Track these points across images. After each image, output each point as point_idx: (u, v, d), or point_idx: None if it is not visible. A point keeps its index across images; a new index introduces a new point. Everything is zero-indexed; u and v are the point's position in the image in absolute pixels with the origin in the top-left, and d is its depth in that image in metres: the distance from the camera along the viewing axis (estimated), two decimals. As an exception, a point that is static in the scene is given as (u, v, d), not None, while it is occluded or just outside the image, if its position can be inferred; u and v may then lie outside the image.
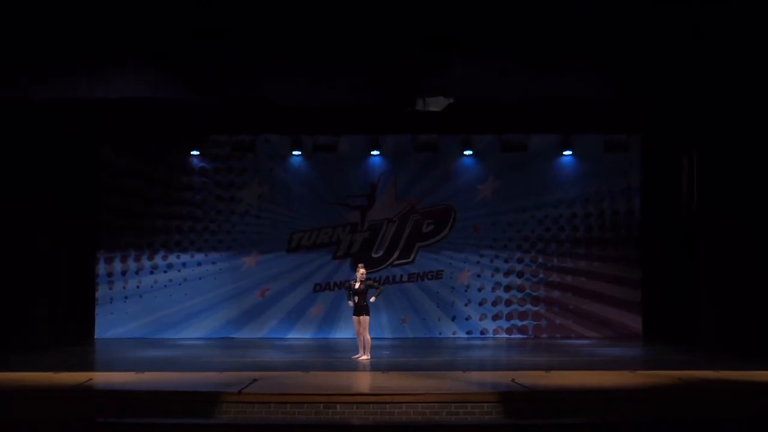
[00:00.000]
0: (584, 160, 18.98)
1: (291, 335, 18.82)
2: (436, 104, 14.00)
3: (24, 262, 16.01)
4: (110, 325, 18.75)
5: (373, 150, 18.82)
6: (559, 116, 16.70)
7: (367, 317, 14.27)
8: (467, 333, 19.02)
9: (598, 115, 16.54)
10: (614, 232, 18.99)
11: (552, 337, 18.79)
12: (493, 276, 19.12)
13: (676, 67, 13.33)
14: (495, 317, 19.07)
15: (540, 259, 19.09)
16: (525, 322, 19.05)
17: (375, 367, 13.31)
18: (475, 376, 12.16)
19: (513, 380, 11.27)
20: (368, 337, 14.30)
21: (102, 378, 12.01)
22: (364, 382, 11.59)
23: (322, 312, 18.89)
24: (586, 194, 19.03)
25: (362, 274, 14.49)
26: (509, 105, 15.62)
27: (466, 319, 19.08)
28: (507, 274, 19.10)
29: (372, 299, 14.32)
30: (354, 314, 14.38)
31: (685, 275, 17.23)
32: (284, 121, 17.12)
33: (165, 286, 18.96)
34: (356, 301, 14.31)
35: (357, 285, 14.38)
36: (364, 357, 14.15)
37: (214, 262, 19.04)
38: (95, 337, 18.57)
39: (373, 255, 19.02)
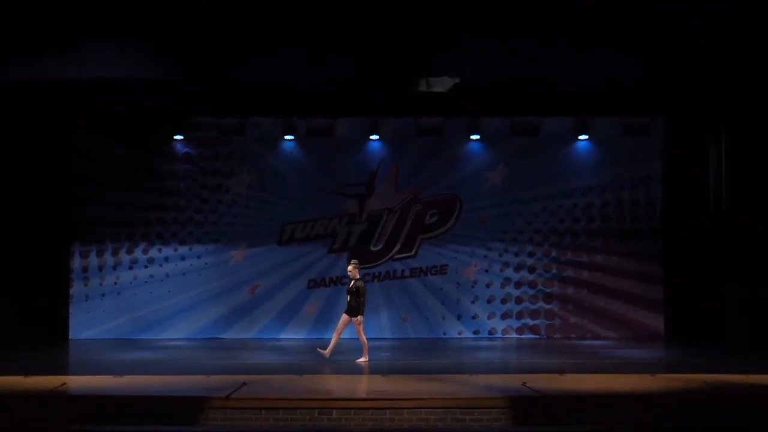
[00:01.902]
0: (602, 145, 18.97)
1: (283, 335, 18.84)
2: (441, 84, 13.99)
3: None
4: (86, 324, 18.76)
5: (372, 134, 18.82)
6: (574, 97, 16.66)
7: (356, 317, 14.24)
8: (474, 333, 19.04)
9: (617, 96, 16.52)
10: (634, 224, 18.99)
11: (566, 338, 18.81)
12: (502, 271, 19.13)
13: (703, 43, 13.30)
14: (504, 316, 19.10)
15: (553, 253, 19.10)
16: (537, 322, 19.07)
17: (374, 369, 13.32)
18: (483, 379, 12.16)
19: (524, 384, 11.28)
20: (363, 338, 14.32)
21: (77, 382, 12.02)
22: (362, 386, 11.61)
23: (316, 310, 18.90)
24: (604, 183, 19.03)
25: (349, 271, 14.53)
26: (520, 85, 15.59)
27: (473, 318, 19.11)
28: (517, 269, 19.12)
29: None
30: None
31: (710, 271, 17.22)
32: (275, 102, 17.09)
33: (145, 282, 18.97)
34: (348, 299, 14.38)
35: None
36: (362, 360, 14.20)
37: (199, 256, 19.04)
38: (69, 337, 18.58)
39: (372, 248, 19.03)
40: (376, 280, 19.00)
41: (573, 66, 13.47)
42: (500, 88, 15.84)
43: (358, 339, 14.53)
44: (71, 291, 18.83)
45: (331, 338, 14.85)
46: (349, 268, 14.72)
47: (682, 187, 18.31)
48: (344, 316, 14.48)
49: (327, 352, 14.47)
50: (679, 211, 18.43)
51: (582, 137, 18.83)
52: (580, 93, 16.22)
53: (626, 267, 18.95)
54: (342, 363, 14.24)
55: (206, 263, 19.05)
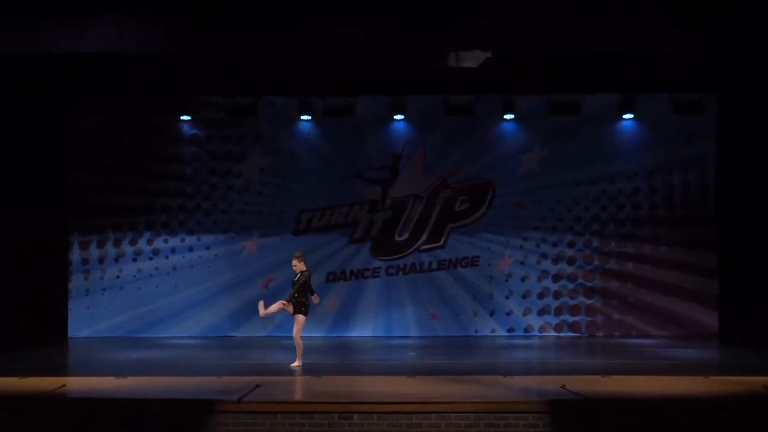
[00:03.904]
0: (649, 124, 18.88)
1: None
2: (472, 59, 13.92)
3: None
4: (86, 321, 18.91)
5: (396, 114, 18.82)
6: (618, 72, 16.55)
7: (299, 316, 13.89)
8: (508, 331, 19.03)
9: (666, 69, 16.38)
10: (685, 210, 18.90)
11: (609, 336, 18.77)
12: (539, 263, 19.09)
13: (762, 8, 13.13)
14: (541, 312, 19.07)
15: (595, 243, 19.04)
16: (577, 318, 19.03)
17: (399, 370, 13.33)
18: (518, 381, 12.14)
19: (563, 386, 11.25)
20: (298, 340, 13.86)
21: (77, 384, 12.10)
22: (386, 388, 11.60)
23: (336, 306, 18.93)
24: (651, 165, 18.95)
25: (294, 265, 13.99)
26: (559, 59, 15.49)
27: (507, 314, 19.09)
28: (556, 260, 19.08)
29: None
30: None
31: (770, 262, 17.11)
32: (290, 79, 17.08)
33: (150, 275, 19.09)
34: (295, 296, 13.89)
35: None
36: (295, 364, 13.79)
37: (208, 247, 19.13)
38: (68, 335, 18.72)
39: (397, 238, 19.04)
40: (401, 273, 19.02)
41: (616, 36, 13.33)
42: (536, 62, 15.75)
43: (378, 336, 14.37)
44: (70, 285, 18.96)
45: (355, 338, 14.80)
46: (294, 262, 14.00)
47: (738, 169, 18.14)
48: (303, 318, 13.80)
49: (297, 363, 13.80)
50: (734, 195, 18.26)
51: (627, 116, 18.76)
52: (625, 66, 16.09)
53: (676, 258, 18.86)
54: (363, 363, 14.25)
55: (216, 255, 19.13)
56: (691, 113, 18.46)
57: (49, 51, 13.46)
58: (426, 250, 19.13)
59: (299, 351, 13.77)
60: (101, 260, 19.05)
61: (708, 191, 18.82)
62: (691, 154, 18.84)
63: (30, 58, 14.29)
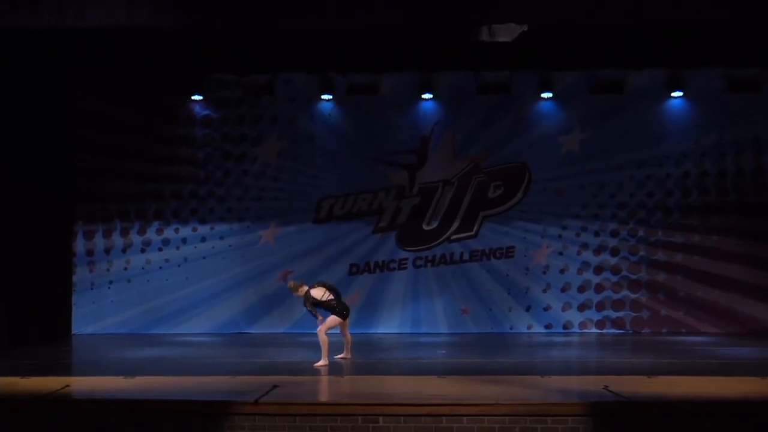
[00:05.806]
0: (700, 103, 18.78)
1: (320, 330, 18.93)
2: (506, 32, 13.87)
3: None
4: (91, 317, 19.03)
5: (424, 92, 18.78)
6: (666, 45, 16.46)
7: (333, 317, 14.19)
8: (546, 327, 19.01)
9: (719, 42, 16.26)
10: (739, 197, 18.80)
11: (656, 333, 18.70)
12: (579, 254, 19.05)
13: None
14: (582, 307, 19.03)
15: (641, 233, 18.97)
16: (621, 314, 18.98)
17: (428, 370, 13.35)
18: (557, 381, 12.13)
19: (606, 388, 11.23)
20: (323, 336, 14.04)
21: (82, 384, 12.18)
22: (414, 388, 11.62)
23: (359, 300, 18.93)
24: (702, 148, 18.84)
25: (290, 287, 14.44)
26: (601, 32, 15.41)
27: (545, 310, 19.07)
28: (598, 251, 19.02)
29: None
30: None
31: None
32: (310, 55, 17.08)
33: (160, 267, 19.18)
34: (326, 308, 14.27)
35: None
36: (320, 363, 13.83)
37: (221, 237, 19.19)
38: (72, 332, 18.86)
39: (425, 227, 19.03)
40: (429, 265, 19.01)
41: (664, 5, 13.24)
42: (576, 35, 15.67)
43: (404, 333, 14.41)
44: (74, 278, 19.08)
45: (379, 335, 14.88)
46: (292, 293, 14.43)
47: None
48: (336, 319, 14.17)
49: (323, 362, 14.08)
50: (794, 180, 18.21)
51: (676, 93, 18.64)
52: (674, 39, 15.99)
53: (729, 248, 18.76)
54: (389, 361, 14.27)
55: (230, 245, 19.19)
56: (746, 91, 18.30)
57: (51, 26, 13.49)
58: (457, 240, 19.11)
59: (324, 348, 13.82)
60: (107, 251, 19.13)
61: (764, 176, 18.71)
62: (746, 135, 18.72)
63: (31, 35, 14.33)
